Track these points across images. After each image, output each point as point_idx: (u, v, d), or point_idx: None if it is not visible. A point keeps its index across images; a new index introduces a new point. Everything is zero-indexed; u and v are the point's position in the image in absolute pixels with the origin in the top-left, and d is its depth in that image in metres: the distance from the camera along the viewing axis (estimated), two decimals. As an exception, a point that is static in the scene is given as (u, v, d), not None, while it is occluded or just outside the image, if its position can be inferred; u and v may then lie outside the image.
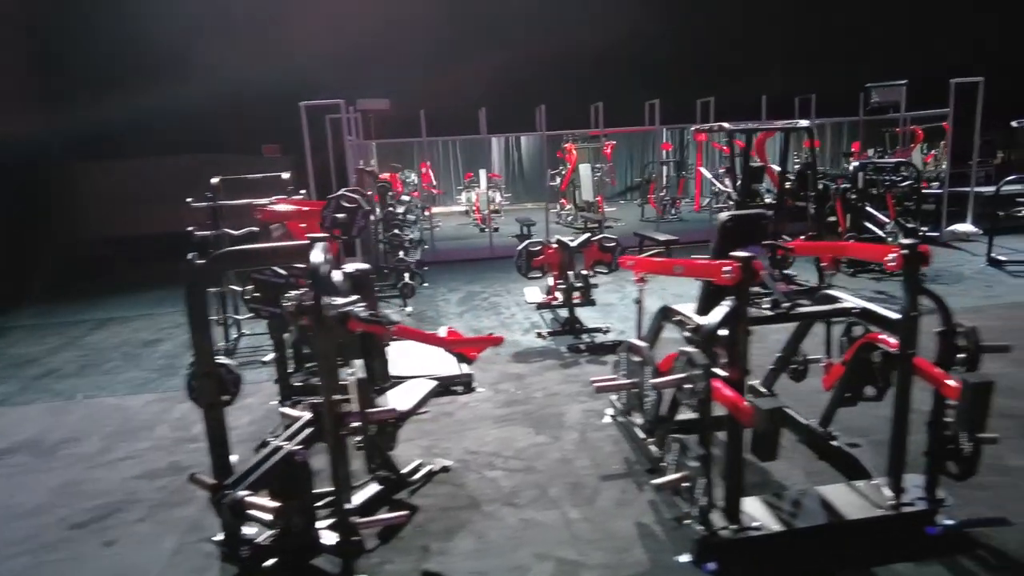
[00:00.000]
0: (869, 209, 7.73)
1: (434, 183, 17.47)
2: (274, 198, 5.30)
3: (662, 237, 7.99)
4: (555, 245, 5.54)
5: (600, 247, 5.63)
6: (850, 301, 2.96)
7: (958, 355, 2.61)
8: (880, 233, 7.52)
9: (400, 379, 3.60)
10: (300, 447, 2.63)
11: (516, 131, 14.34)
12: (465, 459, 3.56)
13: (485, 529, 2.90)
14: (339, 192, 4.77)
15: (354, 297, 2.76)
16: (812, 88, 11.71)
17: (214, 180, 6.04)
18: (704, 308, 3.16)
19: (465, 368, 4.62)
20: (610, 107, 10.75)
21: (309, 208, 4.57)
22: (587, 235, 5.62)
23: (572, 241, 5.55)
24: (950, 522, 2.69)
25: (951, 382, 2.50)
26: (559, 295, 5.58)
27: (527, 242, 5.62)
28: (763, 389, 3.81)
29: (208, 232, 5.81)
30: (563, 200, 14.17)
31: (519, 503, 3.10)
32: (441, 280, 8.52)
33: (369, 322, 2.67)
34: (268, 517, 2.48)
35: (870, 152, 12.68)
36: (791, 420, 3.58)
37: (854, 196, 7.53)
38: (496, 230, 12.45)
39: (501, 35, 13.16)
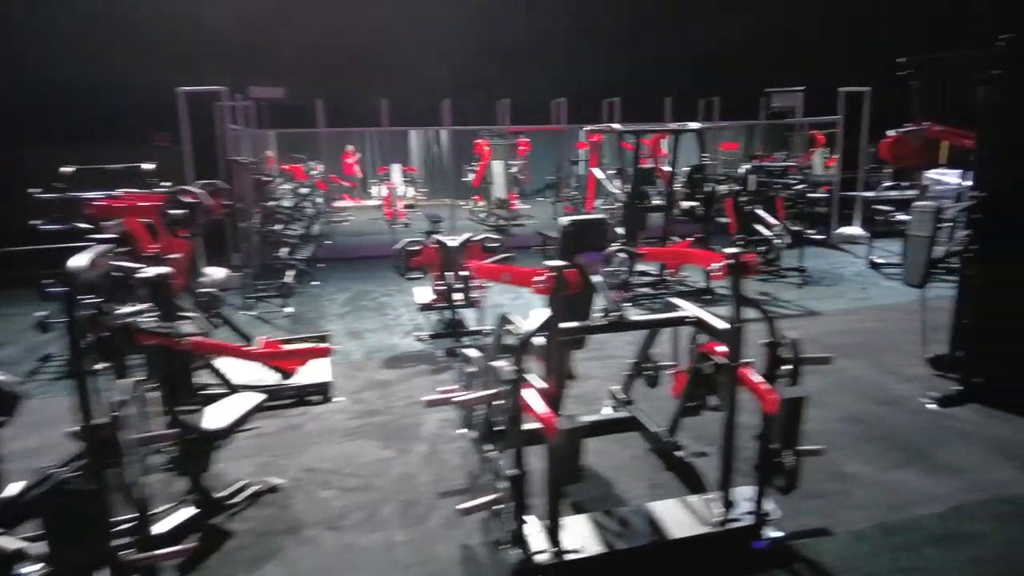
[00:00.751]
0: (758, 212, 7.88)
1: (358, 174, 16.98)
2: (122, 191, 4.87)
3: (560, 236, 7.84)
4: (434, 245, 5.32)
5: (482, 247, 5.44)
6: (687, 309, 2.87)
7: (782, 366, 2.55)
8: (768, 235, 7.68)
9: (240, 391, 3.34)
10: (75, 473, 2.33)
11: (421, 125, 14.00)
12: (300, 477, 3.30)
13: (299, 556, 2.67)
14: (177, 187, 4.43)
15: (141, 305, 2.48)
16: (717, 91, 11.99)
17: (66, 169, 5.52)
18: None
19: (325, 376, 4.39)
20: (521, 105, 10.63)
21: (144, 203, 4.18)
22: (467, 235, 5.43)
23: (452, 241, 5.35)
24: (777, 535, 2.64)
25: (773, 396, 2.43)
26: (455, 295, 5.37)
27: (405, 241, 5.37)
28: (622, 395, 3.74)
29: (58, 227, 5.31)
30: (477, 197, 13.97)
31: (344, 526, 2.87)
32: (334, 278, 8.16)
33: (153, 334, 2.39)
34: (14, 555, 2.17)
35: (777, 156, 13.09)
36: (642, 428, 3.52)
37: (744, 199, 7.65)
38: (407, 226, 12.16)
39: (406, 26, 12.82)
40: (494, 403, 2.35)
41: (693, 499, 2.76)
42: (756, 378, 2.49)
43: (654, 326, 3.00)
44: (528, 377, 2.37)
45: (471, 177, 13.71)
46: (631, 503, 2.91)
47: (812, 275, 7.62)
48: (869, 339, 5.29)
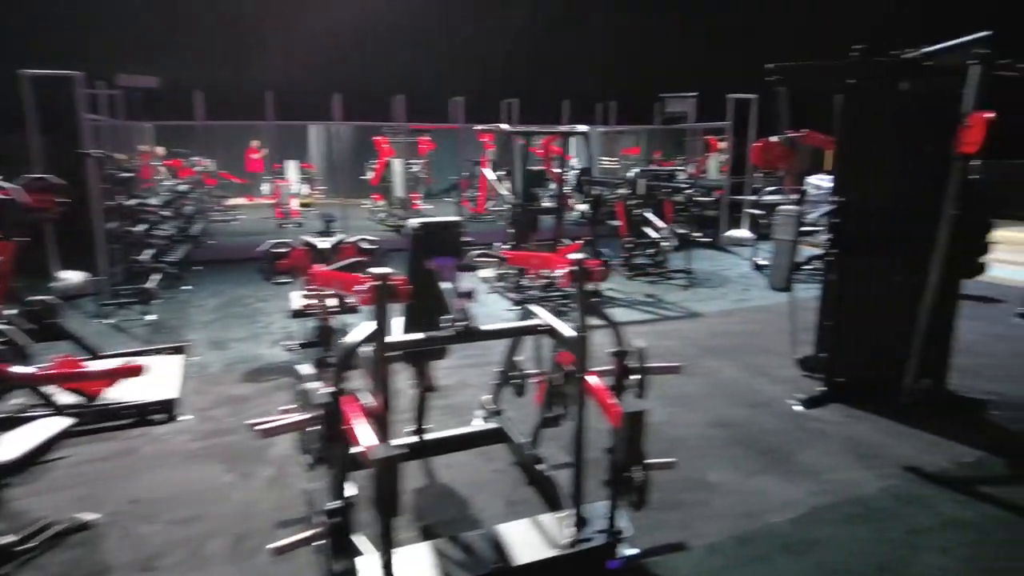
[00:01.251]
0: (647, 215, 7.98)
1: (264, 171, 16.04)
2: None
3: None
4: (302, 246, 4.97)
5: (357, 248, 5.13)
6: (541, 317, 2.72)
7: (631, 376, 2.44)
8: (656, 237, 7.77)
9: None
10: None
11: (314, 119, 13.42)
12: (121, 510, 2.91)
13: (97, 609, 2.32)
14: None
15: None
16: (614, 95, 12.16)
17: None
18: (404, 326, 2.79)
19: (171, 393, 3.98)
20: (420, 102, 10.35)
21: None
22: (341, 236, 5.11)
23: (323, 242, 5.02)
24: (631, 553, 2.53)
25: (616, 408, 2.30)
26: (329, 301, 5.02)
27: (272, 242, 4.99)
28: (492, 406, 3.57)
29: None
30: (376, 196, 13.54)
31: (160, 567, 2.54)
32: (210, 282, 7.59)
33: None
34: None
35: (678, 160, 13.43)
36: (508, 440, 3.36)
37: (633, 203, 7.72)
38: (300, 225, 11.66)
39: (294, 13, 12.24)
40: (309, 427, 2.10)
41: (546, 518, 2.61)
42: (602, 389, 2.36)
43: (503, 336, 2.83)
44: (358, 396, 2.15)
45: (371, 175, 13.29)
46: (485, 523, 2.73)
47: (698, 276, 7.77)
48: (745, 340, 5.39)
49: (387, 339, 2.13)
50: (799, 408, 4.03)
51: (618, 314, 6.19)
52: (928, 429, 3.71)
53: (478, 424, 3.57)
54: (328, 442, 2.01)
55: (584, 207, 7.14)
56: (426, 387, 3.20)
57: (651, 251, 8.01)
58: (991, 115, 3.31)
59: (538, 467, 3.05)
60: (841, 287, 4.03)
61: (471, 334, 2.50)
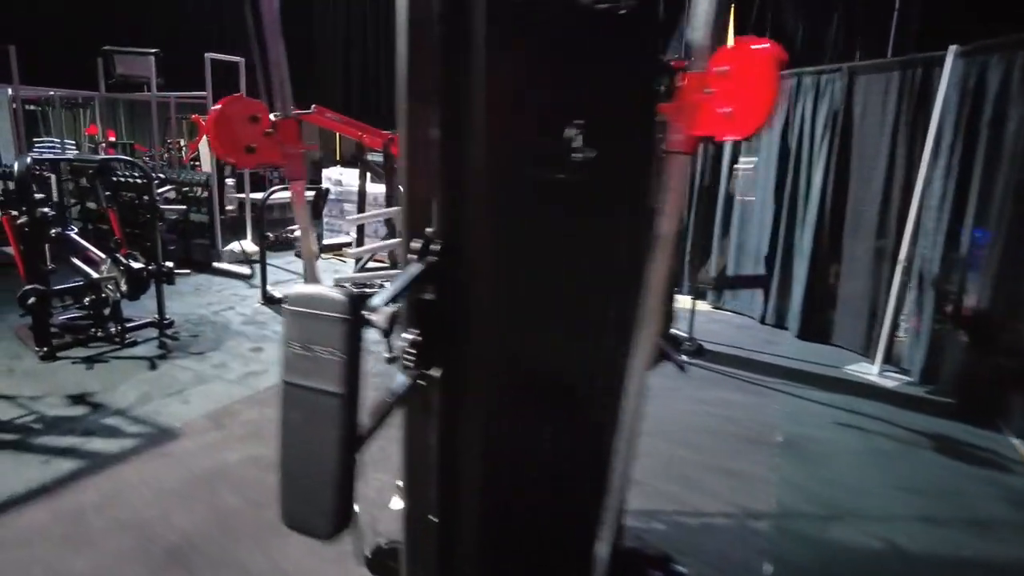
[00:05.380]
0: (72, 237, 4.60)
1: None
2: None
3: None
4: None
5: None
6: None
7: None
8: (93, 275, 4.48)
9: None
10: None
11: None
12: None
13: None
14: None
15: None
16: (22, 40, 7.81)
17: None
18: None
19: None
20: None
21: None
22: None
23: None
24: None
25: None
26: None
27: None
28: None
29: None
30: None
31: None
32: None
33: None
34: None
35: (167, 145, 9.81)
36: None
37: (28, 219, 4.21)
38: None
39: None
40: None
41: None
42: None
43: None
44: None
45: None
46: None
47: (180, 330, 4.81)
48: (253, 495, 2.79)
49: None
50: None
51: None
52: None
53: None
54: None
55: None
56: None
57: (89, 300, 4.64)
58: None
59: None
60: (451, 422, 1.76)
61: None
